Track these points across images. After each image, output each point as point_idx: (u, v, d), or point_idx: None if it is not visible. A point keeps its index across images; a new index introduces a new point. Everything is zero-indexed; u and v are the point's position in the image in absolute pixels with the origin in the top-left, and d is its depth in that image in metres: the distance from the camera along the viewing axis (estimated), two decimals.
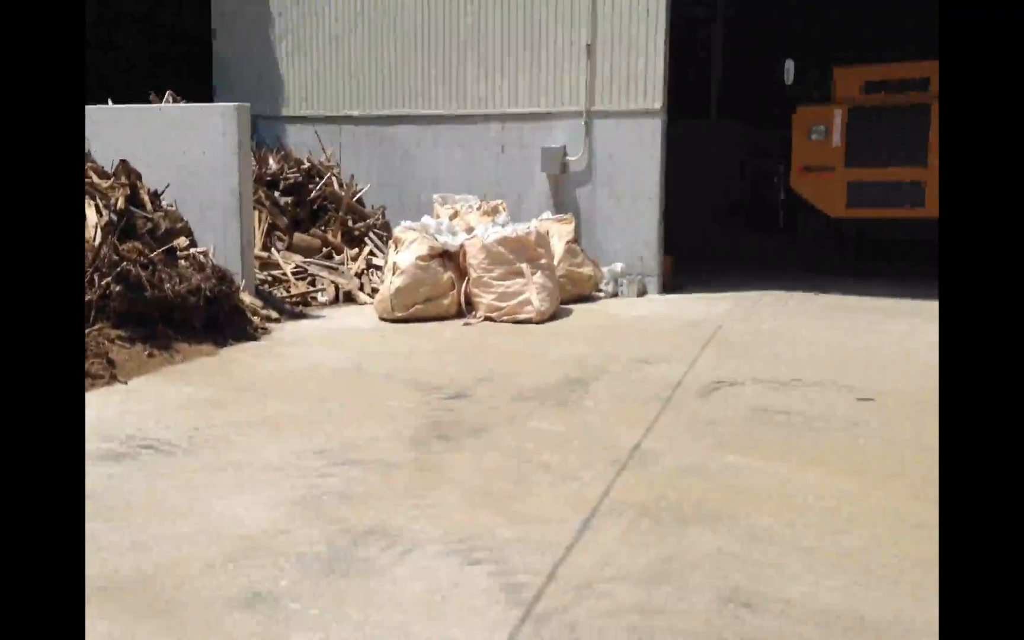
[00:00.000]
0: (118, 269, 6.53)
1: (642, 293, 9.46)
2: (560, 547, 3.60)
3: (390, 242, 9.04)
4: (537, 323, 8.10)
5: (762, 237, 12.00)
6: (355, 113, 11.00)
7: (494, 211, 9.53)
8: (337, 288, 9.25)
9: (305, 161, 10.52)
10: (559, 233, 9.24)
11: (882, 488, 4.18)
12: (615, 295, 9.45)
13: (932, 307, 8.28)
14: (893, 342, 7.15)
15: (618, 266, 9.59)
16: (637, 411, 5.42)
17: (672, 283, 9.74)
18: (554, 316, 8.33)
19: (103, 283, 6.41)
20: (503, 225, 8.69)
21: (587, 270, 9.27)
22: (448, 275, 8.37)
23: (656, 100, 9.43)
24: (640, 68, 9.48)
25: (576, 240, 9.43)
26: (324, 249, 9.83)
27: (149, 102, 9.39)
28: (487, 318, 8.21)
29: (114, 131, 8.42)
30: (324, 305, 8.98)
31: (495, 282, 8.23)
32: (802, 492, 4.16)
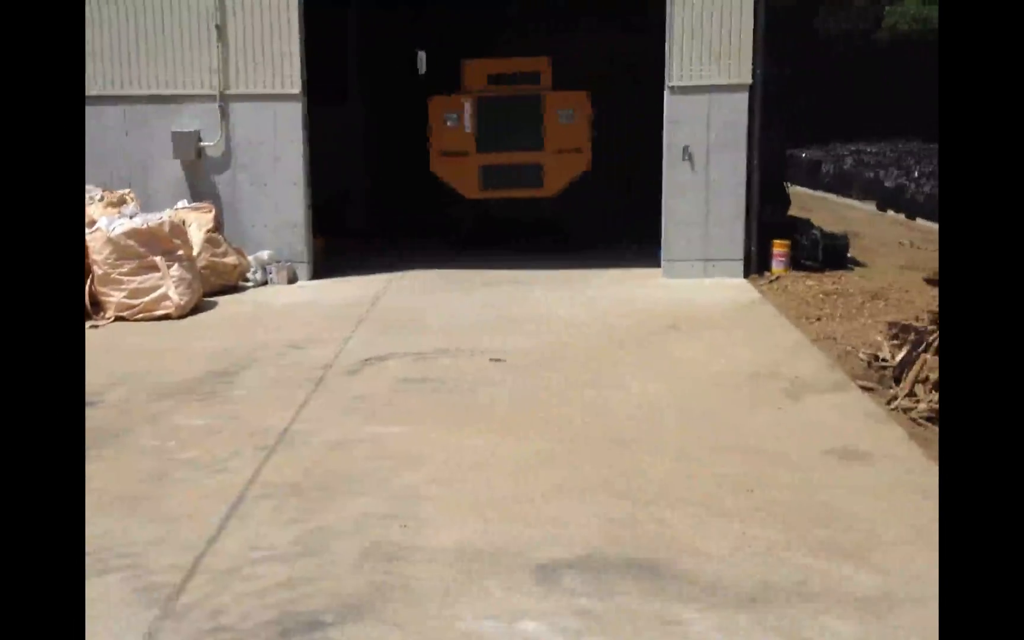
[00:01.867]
0: None
1: (292, 279, 9.40)
2: (203, 539, 3.55)
3: None
4: (178, 318, 7.67)
5: (415, 217, 12.55)
6: None
7: (120, 202, 8.76)
8: None
9: None
10: (198, 222, 8.79)
11: (506, 437, 4.73)
12: (264, 283, 9.26)
13: (559, 276, 9.38)
14: (527, 309, 8.00)
15: (265, 253, 9.40)
16: (287, 395, 5.46)
17: (324, 267, 9.81)
18: (197, 309, 7.96)
19: None
20: (131, 216, 8.04)
21: (231, 259, 8.97)
22: None
23: (295, 84, 9.38)
24: (276, 51, 9.33)
25: (218, 229, 9.05)
26: None
27: None
28: (119, 318, 7.58)
29: None
30: None
31: (125, 278, 7.61)
32: (437, 449, 4.55)
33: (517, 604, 3.09)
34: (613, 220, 12.15)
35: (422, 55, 11.48)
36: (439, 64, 11.78)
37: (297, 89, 9.41)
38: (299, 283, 9.43)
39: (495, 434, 4.74)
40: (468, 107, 11.25)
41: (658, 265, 9.21)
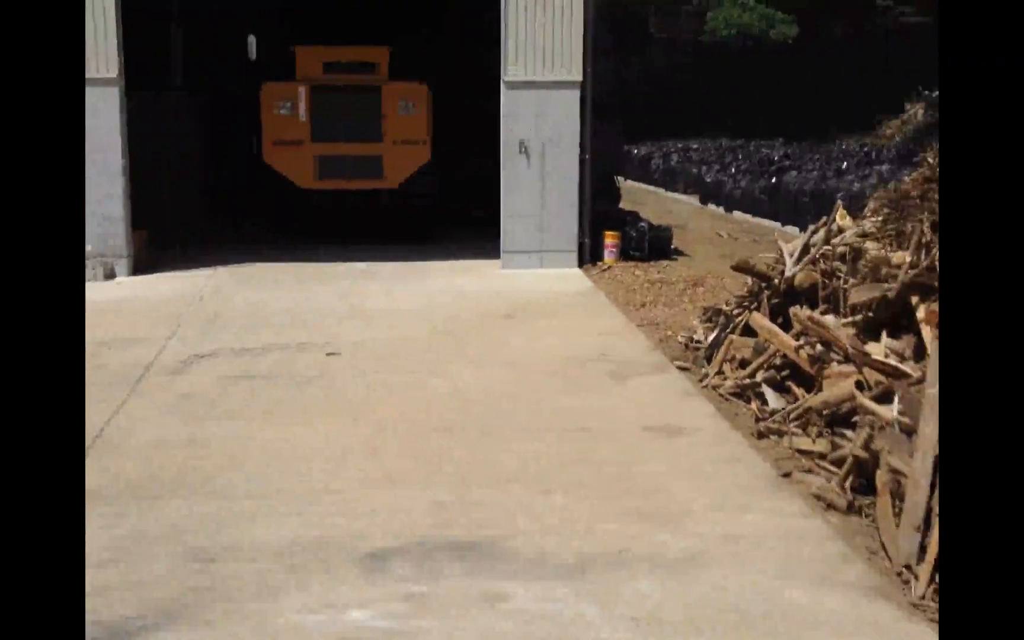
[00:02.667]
0: None
1: (110, 276, 8.80)
2: None
3: None
4: None
5: (246, 208, 12.07)
6: None
7: None
8: None
9: None
10: None
11: (334, 430, 4.69)
12: None
13: (398, 268, 9.34)
14: (364, 302, 7.90)
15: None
16: (102, 395, 5.12)
17: (148, 262, 9.26)
18: None
19: None
20: None
21: None
22: None
23: (111, 67, 8.78)
24: (90, 29, 8.70)
25: None
26: None
27: None
28: None
29: None
30: None
31: None
32: (262, 445, 4.44)
33: (342, 596, 3.09)
34: (454, 212, 12.26)
35: (252, 40, 11.07)
36: (273, 50, 11.40)
37: (114, 73, 8.83)
38: (117, 279, 8.86)
39: (323, 428, 4.68)
40: (303, 95, 10.97)
41: (498, 257, 9.39)
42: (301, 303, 7.77)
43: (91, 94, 8.79)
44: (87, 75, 8.76)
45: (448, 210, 12.18)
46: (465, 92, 12.35)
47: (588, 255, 9.41)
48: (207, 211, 12.20)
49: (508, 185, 9.38)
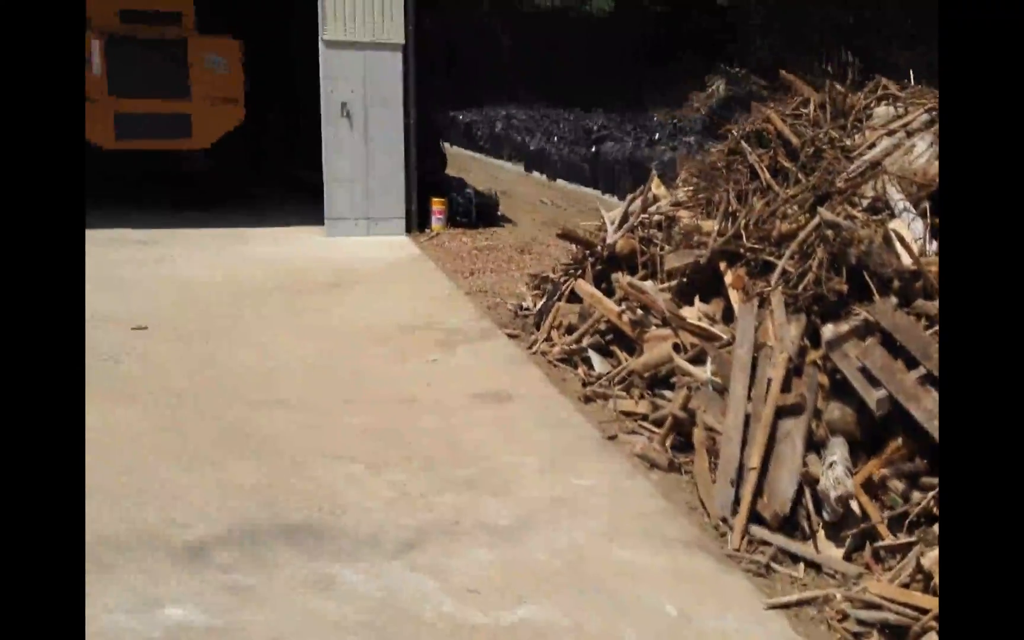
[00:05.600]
0: None
1: None
2: None
3: None
4: None
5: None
6: None
7: None
8: None
9: None
10: None
11: (141, 410, 4.33)
12: None
13: (214, 234, 8.75)
14: (175, 270, 7.32)
15: None
16: None
17: None
18: None
19: None
20: None
21: None
22: None
23: None
24: None
25: None
26: None
27: None
28: None
29: None
30: None
31: None
32: None
33: (158, 591, 2.85)
34: (281, 176, 11.68)
35: None
36: None
37: None
38: None
39: (131, 408, 4.31)
40: (97, 47, 9.98)
41: (322, 223, 9.05)
42: (106, 271, 7.09)
43: None
44: None
45: (267, 173, 11.58)
46: (286, 49, 11.75)
47: (415, 222, 9.28)
48: None
49: (330, 149, 9.04)
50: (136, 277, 7.03)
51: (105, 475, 3.59)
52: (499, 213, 10.18)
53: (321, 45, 8.90)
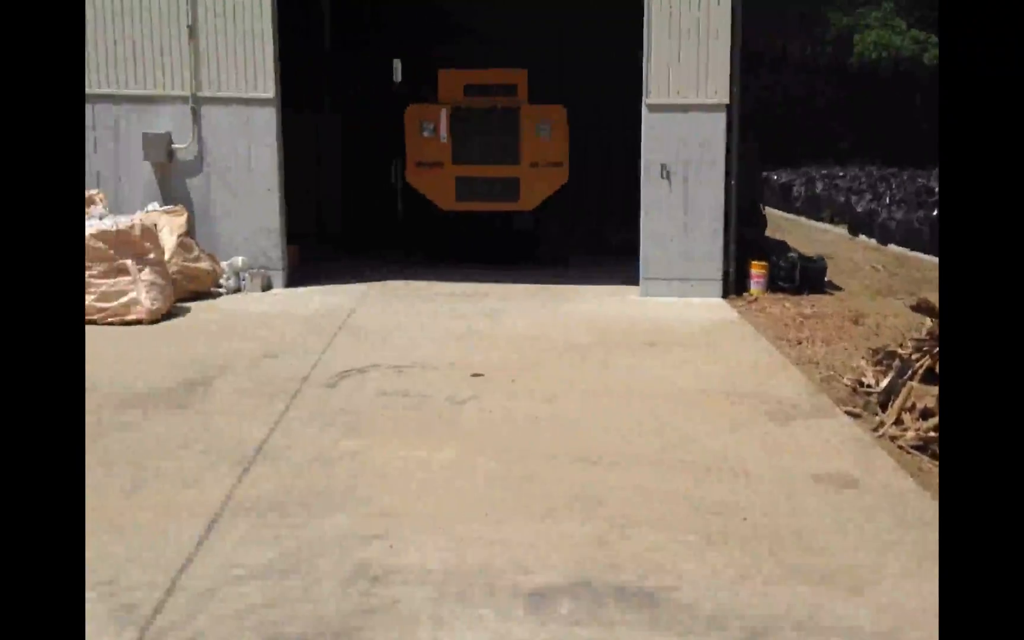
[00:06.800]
0: None
1: (267, 287, 9.20)
2: (180, 557, 3.39)
3: None
4: (149, 323, 7.45)
5: (384, 228, 12.41)
6: None
7: (88, 202, 8.51)
8: None
9: None
10: (170, 226, 8.58)
11: (484, 455, 4.62)
12: (238, 290, 9.06)
13: (535, 291, 9.31)
14: (503, 324, 7.91)
15: (239, 260, 9.20)
16: (263, 407, 5.29)
17: (298, 275, 9.63)
18: (169, 315, 7.74)
19: None
20: (100, 217, 7.81)
21: (204, 265, 8.76)
22: None
23: (268, 89, 9.22)
24: (250, 55, 9.17)
25: (190, 233, 8.84)
26: None
27: None
28: (89, 321, 7.34)
29: None
30: None
31: (95, 281, 7.38)
32: (422, 467, 4.43)
33: (511, 631, 2.99)
34: (591, 236, 12.13)
35: (397, 63, 11.37)
36: (416, 74, 11.69)
37: (271, 94, 9.25)
38: (273, 291, 9.24)
39: (474, 452, 4.63)
40: (444, 117, 11.18)
41: (636, 283, 9.19)
42: (443, 322, 7.84)
43: (250, 112, 9.26)
44: (247, 94, 9.23)
45: (585, 234, 12.05)
46: (605, 115, 12.22)
47: (733, 285, 9.06)
48: (347, 230, 12.61)
49: (648, 210, 9.18)
50: (469, 329, 7.65)
51: (463, 514, 3.87)
52: (826, 279, 9.59)
53: (644, 109, 9.12)
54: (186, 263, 8.50)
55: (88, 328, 7.30)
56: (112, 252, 7.45)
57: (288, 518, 3.78)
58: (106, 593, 3.12)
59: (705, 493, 4.12)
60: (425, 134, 11.21)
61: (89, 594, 3.09)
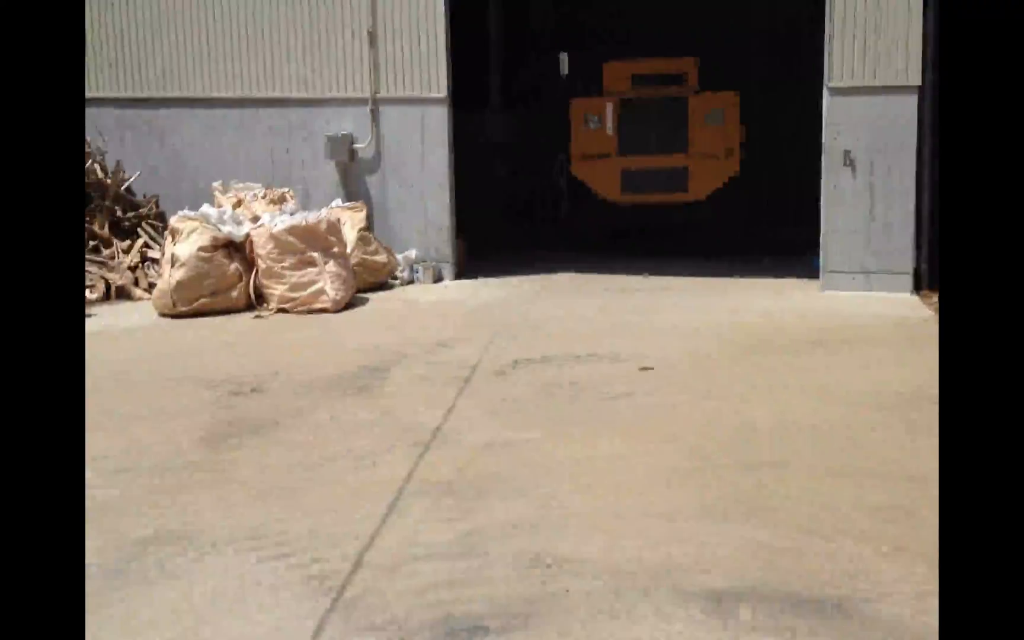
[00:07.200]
0: None
1: (438, 279, 9.56)
2: (365, 533, 3.58)
3: (166, 233, 8.45)
4: (333, 312, 7.94)
5: (549, 223, 12.55)
6: (120, 95, 10.12)
7: (281, 199, 9.18)
8: (108, 284, 8.50)
9: None
10: (351, 221, 9.10)
11: (651, 448, 4.55)
12: (411, 282, 9.47)
13: (704, 284, 9.08)
14: (671, 317, 7.75)
15: (412, 253, 9.62)
16: (437, 393, 5.49)
17: (466, 268, 9.93)
18: (350, 305, 8.22)
19: None
20: (291, 213, 8.41)
21: (381, 257, 9.22)
22: (235, 266, 7.98)
23: (441, 88, 9.54)
24: (424, 56, 9.53)
25: (368, 228, 9.34)
26: (90, 242, 8.99)
27: None
28: (280, 309, 7.93)
29: None
30: (93, 303, 8.23)
31: (287, 272, 7.95)
32: (591, 459, 4.43)
33: (695, 635, 2.91)
34: (766, 227, 11.67)
35: (564, 57, 11.44)
36: (582, 66, 11.70)
37: (443, 93, 9.56)
38: (443, 283, 9.58)
39: (643, 446, 4.57)
40: (610, 109, 11.12)
41: (814, 276, 8.73)
42: (611, 314, 7.81)
43: (424, 111, 9.63)
44: (421, 94, 9.60)
45: (759, 226, 11.61)
46: (779, 100, 11.71)
47: (926, 280, 8.39)
48: (512, 222, 12.84)
49: (829, 199, 8.68)
50: (638, 322, 7.56)
51: (630, 508, 3.84)
52: None
53: (825, 92, 8.62)
54: (365, 256, 8.98)
55: (280, 316, 7.88)
56: (302, 245, 8.00)
57: (462, 502, 3.90)
58: (299, 563, 3.35)
59: (887, 501, 3.84)
60: (590, 126, 11.21)
61: (282, 563, 3.34)
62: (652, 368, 6.01)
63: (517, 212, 12.98)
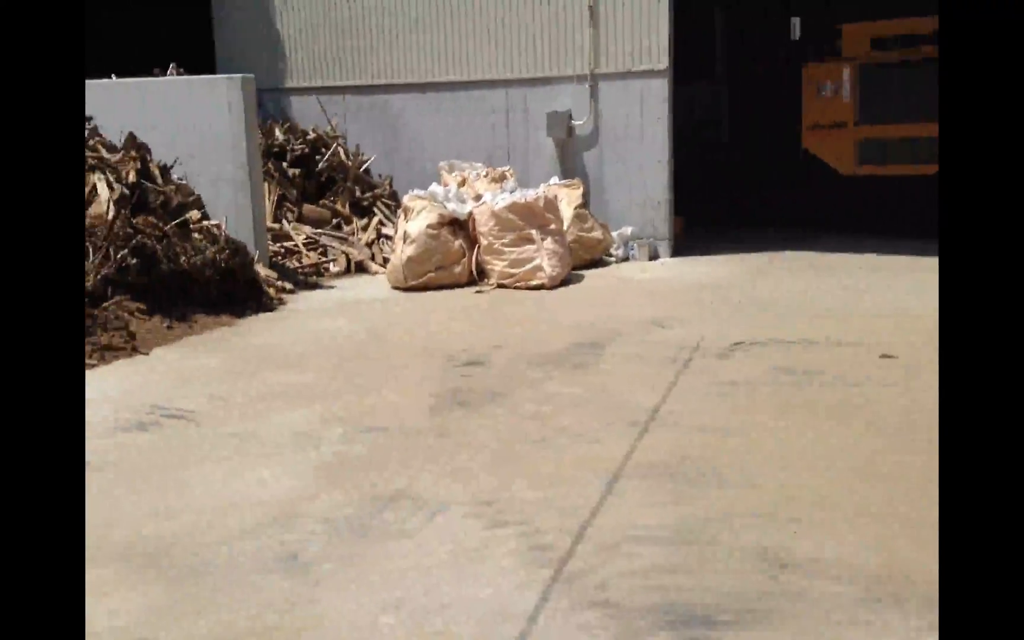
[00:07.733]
0: (133, 242, 6.54)
1: (653, 257, 9.43)
2: (585, 509, 3.63)
3: (399, 211, 9.02)
4: (549, 288, 8.10)
5: (772, 197, 11.93)
6: (358, 83, 10.91)
7: (501, 178, 9.47)
8: (348, 258, 9.24)
9: (311, 132, 10.46)
10: (567, 198, 9.19)
11: (902, 445, 4.20)
12: (626, 259, 9.42)
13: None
14: (911, 301, 7.13)
15: (628, 230, 9.55)
16: (654, 373, 5.44)
17: (683, 245, 9.71)
18: (566, 281, 8.33)
19: (119, 256, 6.42)
20: (511, 191, 8.65)
21: (597, 234, 9.25)
22: (459, 243, 8.36)
23: (662, 60, 9.34)
24: (644, 28, 9.37)
25: (585, 205, 9.39)
26: (333, 220, 9.81)
27: (152, 75, 9.32)
28: (499, 285, 8.21)
29: (118, 105, 8.37)
30: (335, 275, 8.98)
31: (506, 249, 8.21)
32: (824, 451, 4.18)
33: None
34: None
35: (796, 21, 10.74)
36: (815, 31, 10.94)
37: (664, 65, 9.36)
38: (660, 260, 9.44)
39: (883, 441, 4.23)
40: (847, 75, 10.33)
41: None
42: (842, 297, 7.30)
43: (644, 85, 9.48)
44: (641, 67, 9.45)
45: None
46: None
47: None
48: (729, 197, 12.34)
49: None
50: (875, 305, 7.01)
51: (869, 511, 3.58)
52: None
53: None
54: (581, 233, 9.04)
55: (499, 291, 8.16)
56: (521, 222, 8.22)
57: (682, 486, 3.83)
58: (523, 532, 3.46)
59: None
60: (823, 94, 10.50)
61: (509, 530, 3.47)
62: (896, 357, 5.55)
63: (733, 186, 12.47)
